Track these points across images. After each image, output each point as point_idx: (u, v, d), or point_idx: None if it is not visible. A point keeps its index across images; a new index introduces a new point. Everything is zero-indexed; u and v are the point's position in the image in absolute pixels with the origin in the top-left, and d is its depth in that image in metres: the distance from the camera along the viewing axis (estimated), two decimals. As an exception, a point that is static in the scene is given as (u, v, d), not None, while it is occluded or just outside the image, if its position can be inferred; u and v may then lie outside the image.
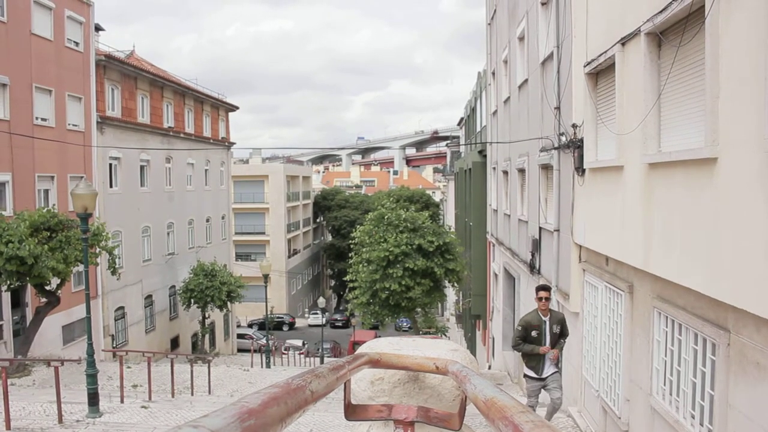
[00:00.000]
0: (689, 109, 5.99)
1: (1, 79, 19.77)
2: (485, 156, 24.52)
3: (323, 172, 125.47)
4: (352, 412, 2.16)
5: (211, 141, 37.52)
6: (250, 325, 48.76)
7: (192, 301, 30.12)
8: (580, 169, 9.75)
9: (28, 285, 18.01)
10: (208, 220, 37.01)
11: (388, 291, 25.28)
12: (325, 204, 68.33)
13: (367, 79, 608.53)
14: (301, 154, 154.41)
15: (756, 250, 4.56)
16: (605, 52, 8.19)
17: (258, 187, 58.02)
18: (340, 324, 55.11)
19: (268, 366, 25.92)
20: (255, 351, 30.64)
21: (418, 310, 28.25)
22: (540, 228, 13.25)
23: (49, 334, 20.59)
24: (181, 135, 32.85)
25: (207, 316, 32.01)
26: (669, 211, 6.27)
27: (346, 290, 43.61)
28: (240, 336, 41.27)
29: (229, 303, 31.85)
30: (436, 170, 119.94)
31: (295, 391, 1.28)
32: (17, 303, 20.19)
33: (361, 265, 26.42)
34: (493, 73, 21.72)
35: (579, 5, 9.70)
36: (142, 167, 28.69)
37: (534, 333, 8.27)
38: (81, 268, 14.64)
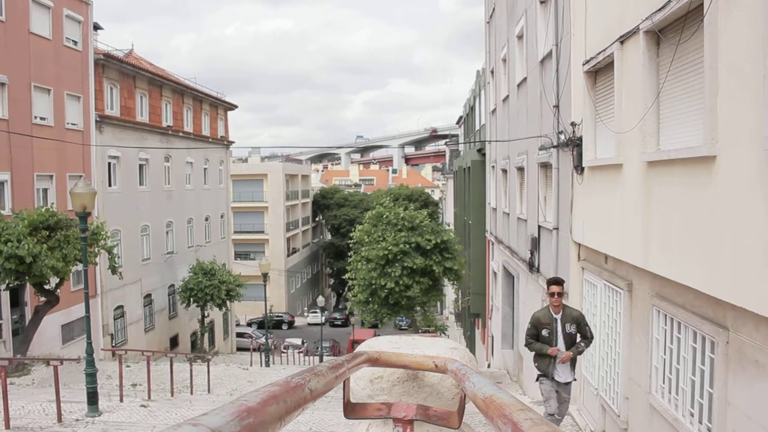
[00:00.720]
0: (688, 107, 5.99)
1: (0, 78, 19.75)
2: (484, 154, 24.52)
3: (322, 170, 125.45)
4: (352, 410, 2.16)
5: (210, 140, 37.50)
6: (249, 324, 48.78)
7: (191, 300, 30.12)
8: (579, 168, 9.75)
9: (27, 284, 18.00)
10: (207, 219, 36.99)
11: (387, 290, 25.31)
12: (324, 203, 68.33)
13: (366, 78, 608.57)
14: (300, 152, 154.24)
15: (755, 248, 4.57)
16: (604, 50, 8.19)
17: (257, 186, 58.00)
18: (339, 323, 55.15)
19: (267, 365, 25.92)
20: (254, 350, 30.64)
21: (417, 308, 28.27)
22: (539, 226, 13.25)
23: (49, 333, 20.59)
24: (180, 134, 32.82)
25: (206, 315, 32.01)
26: (668, 209, 6.27)
27: (346, 289, 43.65)
28: (239, 335, 41.27)
29: (228, 302, 31.84)
30: (435, 169, 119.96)
31: (294, 389, 1.28)
32: (16, 302, 20.18)
33: (359, 264, 26.44)
34: (492, 72, 21.72)
35: (578, 3, 9.70)
36: (140, 166, 28.67)
37: (544, 332, 7.47)
38: (80, 267, 14.63)
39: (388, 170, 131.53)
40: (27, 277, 16.37)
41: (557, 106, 11.28)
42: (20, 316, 20.26)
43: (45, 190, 22.05)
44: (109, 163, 26.09)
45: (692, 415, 6.05)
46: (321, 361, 29.68)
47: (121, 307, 26.66)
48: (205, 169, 36.64)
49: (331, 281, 71.63)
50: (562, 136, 10.80)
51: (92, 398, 11.47)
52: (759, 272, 4.50)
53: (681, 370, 6.33)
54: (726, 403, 5.28)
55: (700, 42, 5.49)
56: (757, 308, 4.57)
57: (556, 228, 11.56)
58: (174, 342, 32.13)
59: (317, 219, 70.89)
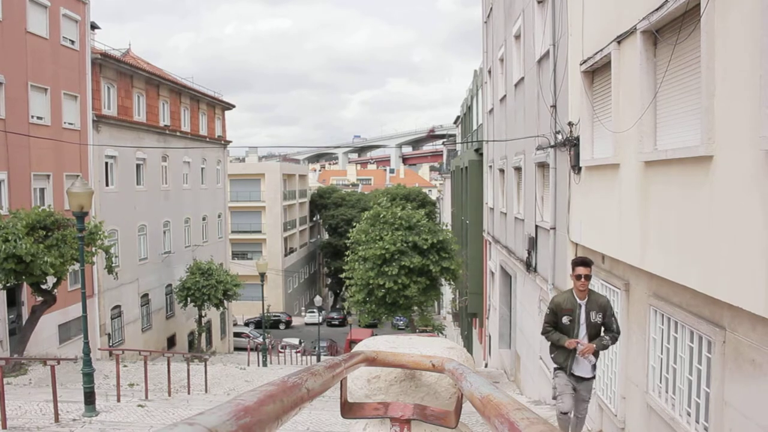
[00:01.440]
0: (685, 107, 6.00)
1: (-3, 77, 19.72)
2: (482, 154, 24.54)
3: (320, 170, 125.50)
4: (349, 410, 2.16)
5: (208, 139, 37.47)
6: (246, 324, 48.73)
7: (188, 299, 30.09)
8: (576, 167, 9.76)
9: (24, 284, 17.97)
10: (204, 219, 36.96)
11: (385, 289, 25.33)
12: (321, 202, 68.31)
13: (364, 78, 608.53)
14: (298, 152, 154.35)
15: (751, 247, 4.58)
16: (601, 50, 8.20)
17: (254, 186, 57.96)
18: (336, 322, 55.13)
19: (264, 364, 25.90)
20: (251, 349, 30.61)
21: (415, 308, 28.31)
22: (536, 226, 13.26)
23: (45, 333, 20.55)
24: (178, 133, 32.78)
25: (203, 314, 31.99)
26: (665, 209, 6.28)
27: (343, 288, 43.63)
28: (236, 335, 41.24)
29: (225, 301, 31.83)
30: (432, 168, 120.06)
31: (291, 389, 1.28)
32: (13, 302, 20.14)
33: (357, 263, 26.46)
34: (490, 72, 21.73)
35: (575, 3, 9.71)
36: (138, 166, 28.62)
37: (565, 319, 6.56)
38: (77, 266, 14.61)
39: (385, 170, 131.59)
40: (24, 277, 16.34)
41: (554, 106, 11.29)
42: (17, 316, 20.22)
43: (42, 190, 22.01)
44: (106, 163, 26.04)
45: (689, 414, 6.06)
46: (318, 360, 29.68)
47: (118, 306, 26.62)
48: (202, 168, 36.61)
49: (329, 281, 71.61)
50: (560, 136, 10.81)
51: (89, 398, 11.45)
52: (756, 272, 4.51)
53: (678, 370, 6.34)
54: (723, 402, 5.29)
55: (697, 42, 5.50)
56: (753, 308, 4.58)
57: (553, 228, 11.57)
58: (171, 342, 32.09)
59: (314, 219, 70.87)
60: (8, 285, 17.19)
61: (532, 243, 13.60)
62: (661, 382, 6.80)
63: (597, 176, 8.84)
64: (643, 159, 6.76)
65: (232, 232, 50.21)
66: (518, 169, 15.57)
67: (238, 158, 68.75)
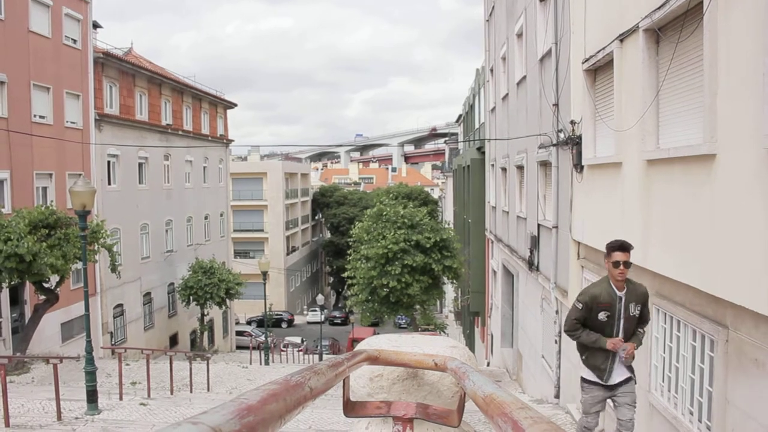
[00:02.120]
0: (688, 105, 5.99)
1: (-1, 76, 19.75)
2: (484, 153, 24.52)
3: (322, 169, 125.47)
4: (351, 408, 2.16)
5: (210, 138, 37.48)
6: (248, 323, 48.77)
7: (191, 298, 30.12)
8: (578, 166, 9.75)
9: (27, 282, 18.00)
10: (206, 218, 36.98)
11: (388, 288, 25.33)
12: (323, 201, 68.30)
13: (366, 77, 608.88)
14: (300, 151, 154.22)
15: (754, 246, 4.57)
16: (603, 48, 8.18)
17: (256, 185, 57.97)
18: (338, 321, 55.14)
19: (266, 363, 25.92)
20: (254, 348, 30.67)
21: (417, 307, 28.30)
22: (539, 225, 13.25)
23: (48, 332, 20.59)
24: (180, 132, 32.80)
25: (206, 313, 32.01)
26: (667, 207, 6.27)
27: (345, 287, 43.62)
28: (239, 333, 41.28)
29: (227, 300, 31.83)
30: (434, 167, 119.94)
31: (293, 387, 1.28)
32: (16, 300, 20.18)
33: (359, 262, 26.45)
34: (492, 70, 21.71)
35: (577, 1, 9.69)
36: (140, 164, 28.65)
37: (602, 315, 5.44)
38: (79, 265, 14.63)
39: (387, 169, 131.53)
40: (27, 276, 16.37)
41: (557, 105, 11.28)
42: (20, 315, 20.26)
43: (44, 189, 22.04)
44: (109, 162, 26.07)
45: (692, 413, 6.05)
46: (320, 359, 29.70)
47: (120, 305, 26.66)
48: (204, 167, 36.62)
49: (331, 279, 71.62)
50: (562, 135, 10.80)
51: (92, 396, 11.47)
52: (758, 270, 4.50)
53: (680, 369, 6.34)
54: (725, 401, 5.28)
55: (699, 40, 5.48)
56: (756, 306, 4.58)
57: (555, 226, 11.56)
58: (173, 340, 32.13)
59: (317, 217, 70.87)
60: (11, 284, 17.22)
61: (534, 242, 13.59)
62: (663, 381, 6.79)
63: (599, 175, 8.83)
64: (645, 157, 6.75)
65: (235, 230, 50.23)
66: (520, 168, 15.56)
67: (240, 157, 68.61)
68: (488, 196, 23.08)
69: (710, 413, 5.59)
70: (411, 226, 25.78)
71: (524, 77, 14.78)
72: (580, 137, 9.63)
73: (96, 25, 26.58)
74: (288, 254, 58.76)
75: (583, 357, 5.71)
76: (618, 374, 5.62)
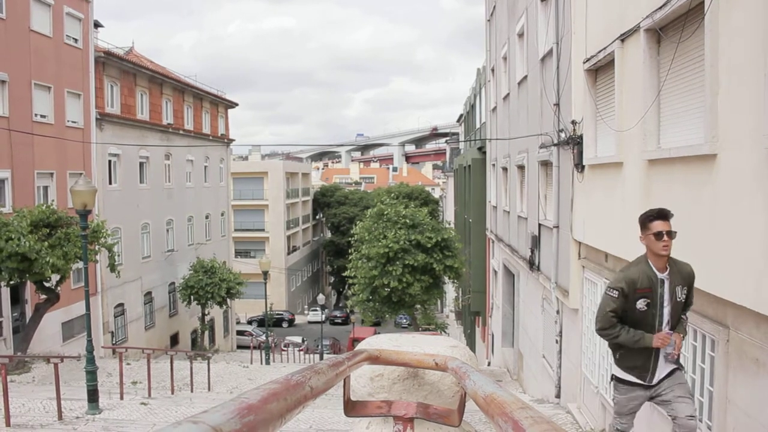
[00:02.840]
0: (689, 105, 5.99)
1: (0, 75, 19.74)
2: (485, 153, 24.51)
3: (323, 168, 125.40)
4: (352, 408, 2.16)
5: (211, 138, 37.48)
6: (249, 322, 48.79)
7: (191, 297, 30.13)
8: (579, 166, 9.75)
9: (28, 282, 18.01)
10: (207, 217, 36.99)
11: (389, 288, 25.32)
12: (324, 201, 68.31)
13: (367, 77, 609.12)
14: (301, 150, 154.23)
15: (755, 246, 4.57)
16: (605, 48, 8.18)
17: (257, 184, 57.98)
18: (339, 321, 55.14)
19: (267, 363, 25.93)
20: (254, 348, 30.67)
21: (418, 306, 28.29)
22: (539, 225, 13.25)
23: (49, 331, 20.59)
24: (181, 132, 32.80)
25: (206, 312, 32.02)
26: (668, 207, 6.26)
27: (346, 287, 43.63)
28: (239, 333, 41.29)
29: (228, 300, 31.84)
30: (435, 167, 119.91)
31: (294, 387, 1.28)
32: (17, 300, 20.19)
33: (360, 262, 26.44)
34: (493, 70, 21.70)
35: (578, 1, 9.69)
36: (141, 164, 28.66)
37: (641, 304, 4.44)
38: (80, 264, 14.64)
39: (388, 168, 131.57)
40: (28, 275, 16.38)
41: (558, 104, 11.28)
42: (20, 314, 20.27)
43: (45, 188, 22.06)
44: (110, 161, 26.08)
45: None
46: (321, 359, 29.70)
47: (121, 304, 26.67)
48: (205, 167, 36.63)
49: (332, 279, 71.62)
50: (563, 135, 10.80)
51: (92, 396, 11.47)
52: (759, 270, 4.50)
53: (681, 369, 6.32)
54: (726, 401, 5.28)
55: (700, 40, 5.48)
56: (757, 306, 4.57)
57: (556, 226, 11.55)
58: (174, 340, 32.15)
59: (317, 217, 70.87)
60: (12, 283, 17.23)
61: (535, 241, 13.59)
62: (664, 381, 6.78)
63: (600, 174, 8.82)
64: (646, 157, 6.75)
65: (235, 230, 50.23)
66: (521, 168, 15.56)
67: (241, 156, 68.58)
68: (489, 195, 23.08)
69: (711, 413, 5.59)
70: (412, 225, 25.78)
71: (525, 77, 14.78)
72: (581, 137, 9.63)
73: (97, 25, 26.60)
74: (289, 254, 58.77)
75: (617, 356, 4.74)
76: (661, 370, 4.63)
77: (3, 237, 15.35)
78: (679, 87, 6.19)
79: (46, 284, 17.51)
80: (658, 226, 4.50)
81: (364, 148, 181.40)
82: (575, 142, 9.79)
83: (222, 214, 40.00)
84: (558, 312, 11.65)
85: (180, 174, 32.92)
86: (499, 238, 20.05)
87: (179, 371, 17.52)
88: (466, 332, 32.49)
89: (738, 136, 4.85)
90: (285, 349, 35.16)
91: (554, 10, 11.43)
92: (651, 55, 6.70)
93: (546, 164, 12.64)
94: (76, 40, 23.89)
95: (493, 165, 21.58)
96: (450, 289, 37.16)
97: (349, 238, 29.89)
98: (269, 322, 33.57)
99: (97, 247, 18.40)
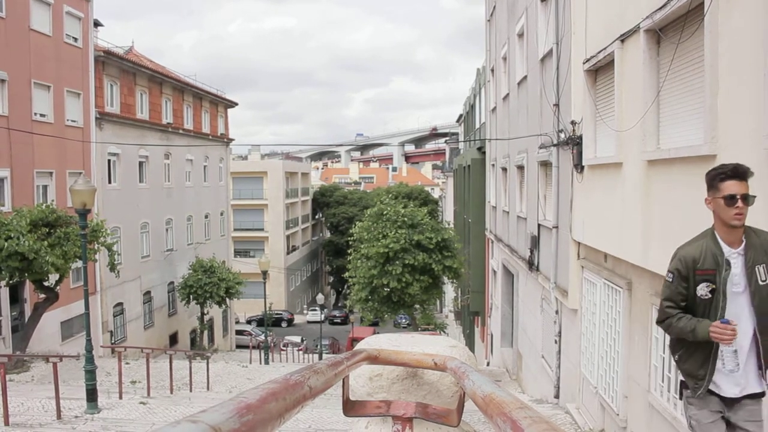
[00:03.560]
0: (688, 106, 5.99)
1: (0, 74, 19.74)
2: (484, 153, 24.51)
3: (322, 168, 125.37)
4: (351, 408, 2.16)
5: (210, 137, 37.49)
6: (248, 322, 48.78)
7: (191, 297, 30.13)
8: (579, 166, 9.75)
9: (27, 281, 18.01)
10: (206, 217, 36.99)
11: (388, 288, 25.33)
12: (323, 200, 68.32)
13: (367, 76, 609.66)
14: (300, 150, 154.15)
15: (754, 247, 4.56)
16: (604, 48, 8.18)
17: (257, 184, 57.97)
18: (338, 320, 55.13)
19: (266, 362, 25.94)
20: (253, 347, 30.67)
21: (417, 306, 28.30)
22: (539, 225, 13.25)
23: (48, 330, 20.59)
24: (180, 131, 32.80)
25: (206, 312, 32.03)
26: (668, 207, 6.27)
27: (345, 287, 43.62)
28: (239, 332, 41.29)
29: (227, 299, 31.86)
30: (435, 167, 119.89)
31: (293, 386, 1.28)
32: (16, 299, 20.19)
33: (359, 262, 26.45)
34: (492, 70, 21.71)
35: (578, 2, 9.69)
36: (140, 163, 28.66)
37: (704, 288, 3.48)
38: (80, 264, 14.64)
39: (388, 168, 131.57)
40: (27, 274, 16.37)
41: (557, 105, 11.28)
42: (19, 313, 20.26)
43: (45, 187, 22.05)
44: (109, 160, 26.08)
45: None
46: (320, 358, 29.71)
47: (120, 304, 26.67)
48: (205, 166, 36.63)
49: (331, 279, 71.63)
50: (562, 135, 10.80)
51: (91, 395, 11.47)
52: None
53: (680, 369, 6.32)
54: (725, 401, 5.27)
55: (700, 41, 5.48)
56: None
57: (555, 226, 11.56)
58: (173, 339, 32.15)
59: (317, 217, 70.88)
60: (11, 282, 17.23)
61: (535, 242, 13.59)
62: (663, 382, 6.79)
63: (600, 175, 8.83)
64: (645, 158, 6.75)
65: (235, 229, 50.24)
66: (521, 168, 15.56)
67: (240, 156, 68.49)
68: (488, 195, 23.08)
69: None
70: (412, 225, 25.78)
71: (525, 77, 14.78)
72: (580, 137, 9.63)
73: (97, 24, 26.60)
74: (288, 253, 58.77)
75: (676, 357, 3.73)
76: (739, 381, 3.49)
77: (2, 236, 15.35)
78: (678, 87, 6.20)
79: (45, 283, 17.52)
80: (730, 187, 3.46)
81: (364, 147, 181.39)
82: (575, 143, 9.79)
83: (221, 214, 40.00)
84: (557, 312, 11.66)
85: (179, 173, 32.92)
86: (498, 238, 20.05)
87: (178, 371, 17.52)
88: (465, 332, 32.49)
89: (738, 137, 4.85)
90: (284, 348, 35.19)
91: (554, 11, 11.43)
92: (651, 55, 6.70)
93: (545, 164, 12.65)
94: (75, 40, 23.89)
95: (493, 165, 21.59)
96: (449, 289, 37.17)
97: (349, 238, 29.89)
98: (268, 321, 33.58)
99: (96, 247, 18.40)
